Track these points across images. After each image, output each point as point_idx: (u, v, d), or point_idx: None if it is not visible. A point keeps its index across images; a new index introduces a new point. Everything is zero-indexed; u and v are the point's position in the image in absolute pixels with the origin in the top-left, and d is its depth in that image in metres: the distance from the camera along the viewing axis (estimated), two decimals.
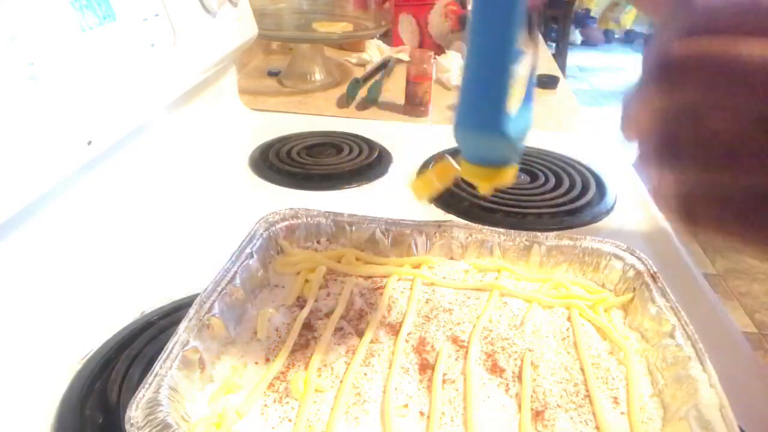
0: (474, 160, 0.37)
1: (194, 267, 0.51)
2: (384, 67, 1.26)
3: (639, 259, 0.47)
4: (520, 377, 0.39)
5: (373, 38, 1.34)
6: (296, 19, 1.25)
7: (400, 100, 1.05)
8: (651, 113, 0.21)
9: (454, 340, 0.42)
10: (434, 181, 0.41)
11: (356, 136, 0.90)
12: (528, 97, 0.35)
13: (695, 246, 2.43)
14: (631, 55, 4.89)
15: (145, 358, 0.42)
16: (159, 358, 0.35)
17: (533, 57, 0.34)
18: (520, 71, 0.31)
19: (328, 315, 0.44)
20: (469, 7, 1.32)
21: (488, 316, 0.45)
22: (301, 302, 0.46)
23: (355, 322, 0.44)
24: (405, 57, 1.27)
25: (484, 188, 0.39)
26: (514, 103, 0.31)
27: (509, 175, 0.37)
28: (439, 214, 0.68)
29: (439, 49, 1.30)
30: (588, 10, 5.00)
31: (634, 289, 0.45)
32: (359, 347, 0.41)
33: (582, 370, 0.40)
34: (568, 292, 0.47)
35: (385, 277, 0.49)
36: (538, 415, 0.37)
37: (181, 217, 0.67)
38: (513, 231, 0.51)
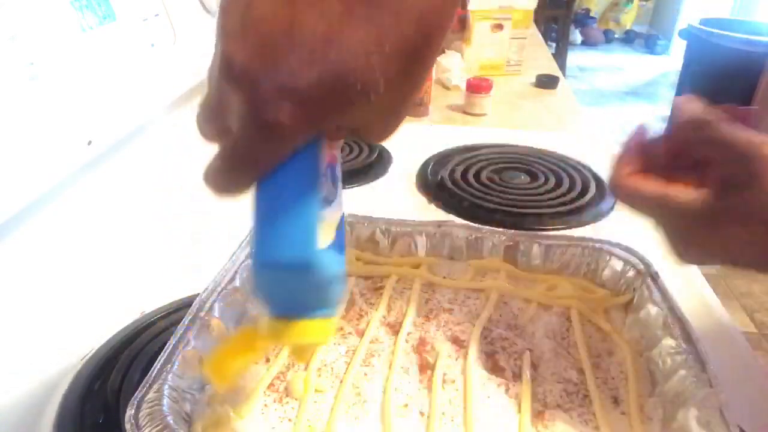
0: (279, 310, 0.29)
1: (194, 267, 0.51)
2: None
3: (639, 259, 0.47)
4: (520, 377, 0.39)
5: None
6: None
7: None
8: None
9: (454, 340, 0.42)
10: (236, 357, 0.32)
11: None
12: (340, 247, 0.30)
13: None
14: (630, 55, 4.88)
15: (145, 358, 0.43)
16: (159, 358, 0.35)
17: (339, 206, 0.30)
18: (327, 217, 0.28)
19: None
20: (469, 7, 1.30)
21: (488, 316, 0.45)
22: None
23: (355, 322, 0.44)
24: None
25: (297, 353, 0.35)
26: (322, 240, 0.27)
27: (324, 331, 0.29)
28: (439, 214, 0.68)
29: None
30: (588, 10, 5.00)
31: (634, 289, 0.45)
32: (359, 347, 0.41)
33: (582, 370, 0.40)
34: (568, 292, 0.47)
35: (385, 277, 0.49)
36: (538, 415, 0.37)
37: (181, 217, 0.67)
38: (513, 231, 0.51)
